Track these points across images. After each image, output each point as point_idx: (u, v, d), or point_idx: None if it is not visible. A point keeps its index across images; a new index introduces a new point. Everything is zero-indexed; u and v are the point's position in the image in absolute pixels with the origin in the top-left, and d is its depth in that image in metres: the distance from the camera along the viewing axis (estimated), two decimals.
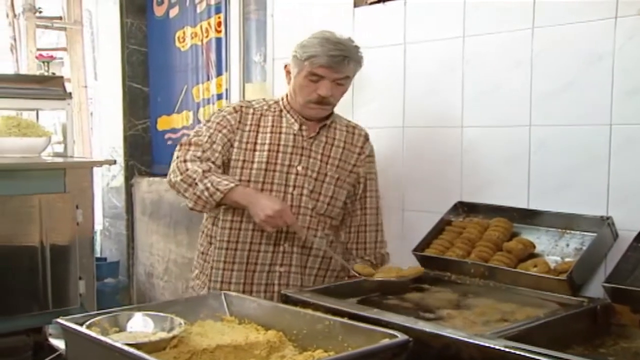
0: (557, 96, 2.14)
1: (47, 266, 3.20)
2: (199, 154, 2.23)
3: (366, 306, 1.80)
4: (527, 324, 1.65)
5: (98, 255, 4.40)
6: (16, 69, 4.66)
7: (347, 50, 2.19)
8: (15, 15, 4.69)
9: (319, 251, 2.30)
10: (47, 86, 3.49)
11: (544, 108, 2.17)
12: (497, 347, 1.43)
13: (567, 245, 2.06)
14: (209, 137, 2.27)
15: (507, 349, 1.41)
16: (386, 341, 1.41)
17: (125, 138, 4.19)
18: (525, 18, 2.19)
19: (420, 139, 2.50)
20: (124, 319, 1.63)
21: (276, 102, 2.34)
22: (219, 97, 3.69)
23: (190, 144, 2.26)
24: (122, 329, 1.61)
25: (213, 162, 2.22)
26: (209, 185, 2.14)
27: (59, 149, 3.79)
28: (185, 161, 2.22)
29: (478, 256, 2.07)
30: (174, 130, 4.05)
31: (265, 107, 2.33)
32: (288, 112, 2.30)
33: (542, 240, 2.11)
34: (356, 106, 2.44)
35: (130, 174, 4.23)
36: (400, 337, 1.42)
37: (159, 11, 4.11)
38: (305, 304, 1.79)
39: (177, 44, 3.99)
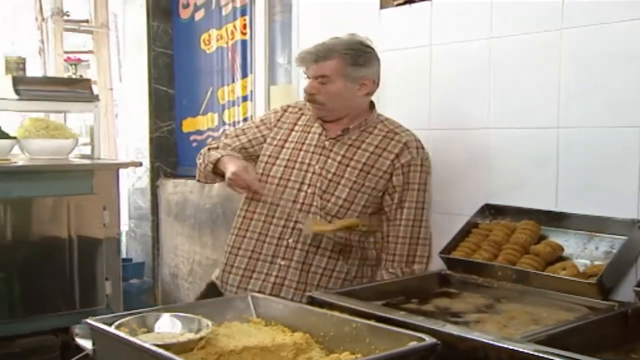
0: (586, 98, 2.11)
1: (74, 267, 3.23)
2: (222, 142, 2.46)
3: (392, 309, 1.80)
4: (557, 328, 1.62)
5: (124, 256, 4.43)
6: (44, 72, 4.72)
7: (323, 50, 2.25)
8: (43, 19, 4.75)
9: (326, 251, 2.30)
10: (75, 89, 3.53)
11: (572, 110, 2.15)
12: (526, 350, 1.41)
13: (597, 248, 2.04)
14: (242, 130, 2.48)
15: (537, 353, 1.39)
16: (414, 344, 1.40)
17: (151, 140, 4.22)
18: (553, 19, 2.17)
19: (446, 141, 2.49)
20: (152, 319, 1.64)
21: None
22: (244, 99, 3.70)
23: (225, 136, 2.51)
24: (150, 329, 1.62)
25: (232, 148, 2.42)
26: (206, 158, 2.40)
27: (84, 150, 3.82)
28: (207, 146, 2.49)
29: (505, 259, 2.05)
30: (199, 132, 4.07)
31: (308, 107, 2.39)
32: None
33: (570, 243, 2.08)
34: (382, 108, 2.43)
35: (155, 175, 4.26)
36: (428, 340, 1.41)
37: (184, 14, 4.14)
38: (331, 306, 1.78)
39: (202, 46, 4.01)
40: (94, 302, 3.32)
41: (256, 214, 2.36)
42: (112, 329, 1.53)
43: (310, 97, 2.30)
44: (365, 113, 2.35)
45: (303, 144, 2.35)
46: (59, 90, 3.46)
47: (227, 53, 3.81)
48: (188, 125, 4.16)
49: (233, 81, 3.77)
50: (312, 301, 1.87)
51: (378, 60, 2.34)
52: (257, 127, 2.45)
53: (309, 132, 2.37)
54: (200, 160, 2.44)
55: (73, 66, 3.77)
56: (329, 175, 2.30)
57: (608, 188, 2.07)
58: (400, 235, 2.31)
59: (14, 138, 3.35)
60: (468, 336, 1.51)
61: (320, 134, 2.34)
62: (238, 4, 3.70)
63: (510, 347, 1.44)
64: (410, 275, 2.26)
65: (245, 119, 3.69)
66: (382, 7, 2.63)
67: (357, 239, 2.34)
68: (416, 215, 2.30)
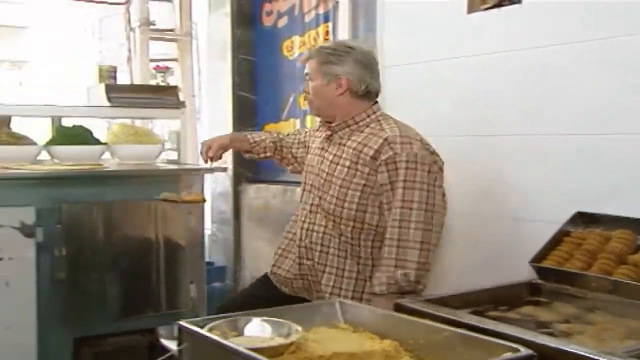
0: None
1: (160, 269, 3.31)
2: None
3: (480, 316, 1.76)
4: None
5: (206, 259, 4.51)
6: (130, 79, 4.86)
7: (311, 51, 2.53)
8: (131, 29, 4.90)
9: (335, 250, 2.40)
10: (163, 96, 3.62)
11: None
12: None
13: None
14: (301, 131, 2.86)
15: None
16: (508, 355, 1.37)
17: None
18: None
19: (536, 147, 2.43)
20: (242, 323, 1.66)
21: None
22: None
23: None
24: (240, 333, 1.64)
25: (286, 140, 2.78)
26: None
27: (169, 155, 3.91)
28: None
29: (600, 269, 1.98)
30: None
31: None
32: None
33: None
34: (475, 114, 2.40)
35: (237, 180, 4.32)
36: (524, 351, 1.37)
37: (267, 21, 4.19)
38: (420, 314, 1.76)
39: (285, 52, 4.05)
40: (179, 304, 3.39)
41: (301, 203, 2.55)
42: (205, 332, 1.55)
43: (305, 95, 2.54)
44: (353, 112, 2.40)
45: (315, 147, 2.54)
46: (148, 98, 3.55)
47: None
48: (270, 130, 4.20)
49: None
50: (400, 308, 1.85)
51: (358, 61, 2.38)
52: (307, 131, 2.77)
53: (318, 136, 2.56)
54: None
55: (161, 74, 3.87)
56: (324, 175, 2.41)
57: None
58: (388, 236, 2.27)
59: (105, 144, 3.47)
60: (566, 349, 1.47)
61: (322, 136, 2.51)
62: (321, 11, 3.72)
63: None
64: (406, 283, 2.19)
65: None
66: (469, 11, 2.60)
67: (363, 238, 2.35)
68: (403, 216, 2.24)
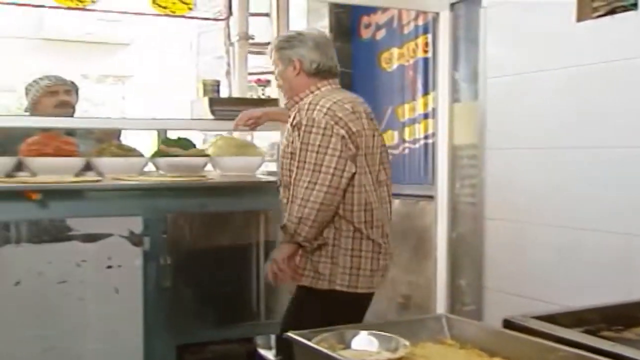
0: None
1: (260, 279, 3.35)
2: None
3: (596, 337, 1.69)
4: None
5: None
6: (229, 92, 4.98)
7: (271, 45, 2.79)
8: (230, 43, 5.02)
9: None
10: None
11: None
12: None
13: None
14: None
15: None
16: None
17: None
18: None
19: None
20: (349, 336, 1.66)
21: None
22: (425, 116, 3.69)
23: None
24: (347, 346, 1.64)
25: None
26: None
27: (267, 167, 3.96)
28: None
29: None
30: None
31: None
32: None
33: None
34: (585, 126, 2.32)
35: None
36: None
37: (365, 34, 4.20)
38: (530, 331, 1.71)
39: (383, 64, 4.05)
40: (276, 315, 3.42)
41: None
42: (314, 344, 1.56)
43: (277, 82, 2.83)
44: (301, 93, 2.68)
45: None
46: None
47: (407, 71, 3.82)
48: None
49: (413, 99, 3.77)
50: (509, 325, 1.80)
51: (306, 44, 2.67)
52: None
53: None
54: None
55: (262, 87, 3.94)
56: (282, 154, 2.68)
57: None
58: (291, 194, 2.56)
59: (208, 156, 3.55)
60: None
61: None
62: (420, 22, 3.70)
63: None
64: (287, 234, 2.53)
65: (426, 137, 3.67)
66: (579, 19, 2.52)
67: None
68: (297, 175, 2.52)
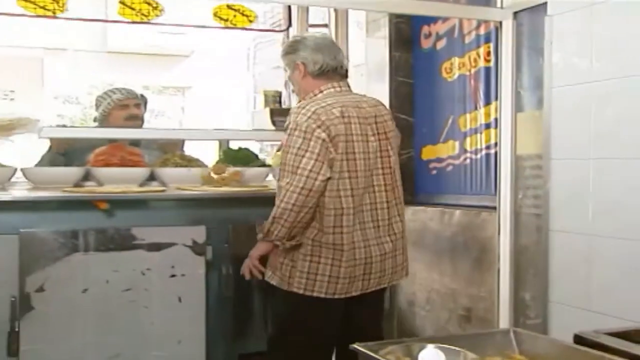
0: None
1: None
2: None
3: None
4: None
5: None
6: (289, 103, 5.01)
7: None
8: None
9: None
10: None
11: None
12: None
13: None
14: None
15: None
16: None
17: None
18: None
19: None
20: (416, 349, 1.65)
21: None
22: (487, 126, 3.64)
23: None
24: (413, 359, 1.63)
25: None
26: None
27: None
28: None
29: None
30: (438, 160, 4.07)
31: None
32: None
33: None
34: None
35: None
36: None
37: (425, 44, 4.18)
38: (602, 347, 1.67)
39: (443, 74, 4.02)
40: None
41: None
42: (381, 357, 1.55)
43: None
44: (307, 96, 2.79)
45: None
46: None
47: (469, 80, 3.79)
48: (428, 152, 4.18)
49: (475, 108, 3.73)
50: (580, 340, 1.76)
51: (308, 46, 2.79)
52: None
53: None
54: None
55: None
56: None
57: None
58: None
59: (269, 166, 3.59)
60: None
61: None
62: (482, 31, 3.66)
63: None
64: (261, 232, 2.71)
65: (488, 147, 3.63)
66: None
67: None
68: (280, 176, 2.65)
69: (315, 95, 2.78)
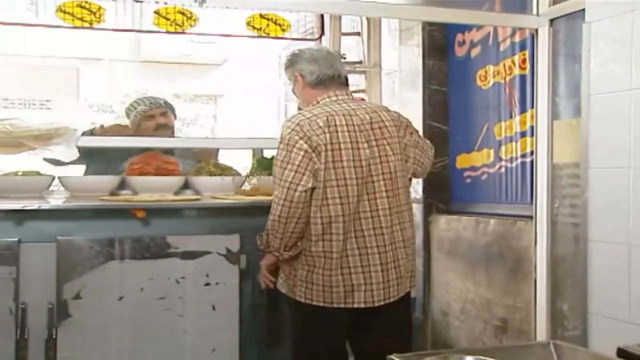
0: None
1: None
2: None
3: None
4: None
5: None
6: None
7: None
8: None
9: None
10: None
11: None
12: None
13: None
14: None
15: None
16: None
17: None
18: None
19: None
20: None
21: None
22: (522, 134, 3.60)
23: None
24: None
25: None
26: None
27: None
28: None
29: None
30: (473, 168, 4.04)
31: None
32: None
33: None
34: None
35: (428, 211, 4.28)
36: None
37: (459, 52, 4.15)
38: None
39: (478, 82, 3.99)
40: None
41: None
42: None
43: None
44: (307, 107, 2.82)
45: None
46: None
47: (504, 88, 3.75)
48: (462, 161, 4.14)
49: (511, 116, 3.69)
50: (624, 354, 1.72)
51: (304, 58, 2.85)
52: None
53: None
54: None
55: None
56: None
57: None
58: None
59: None
60: None
61: None
62: (517, 39, 3.63)
63: None
64: (260, 244, 2.84)
65: (523, 155, 3.58)
66: None
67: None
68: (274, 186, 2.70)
69: (313, 105, 2.81)
